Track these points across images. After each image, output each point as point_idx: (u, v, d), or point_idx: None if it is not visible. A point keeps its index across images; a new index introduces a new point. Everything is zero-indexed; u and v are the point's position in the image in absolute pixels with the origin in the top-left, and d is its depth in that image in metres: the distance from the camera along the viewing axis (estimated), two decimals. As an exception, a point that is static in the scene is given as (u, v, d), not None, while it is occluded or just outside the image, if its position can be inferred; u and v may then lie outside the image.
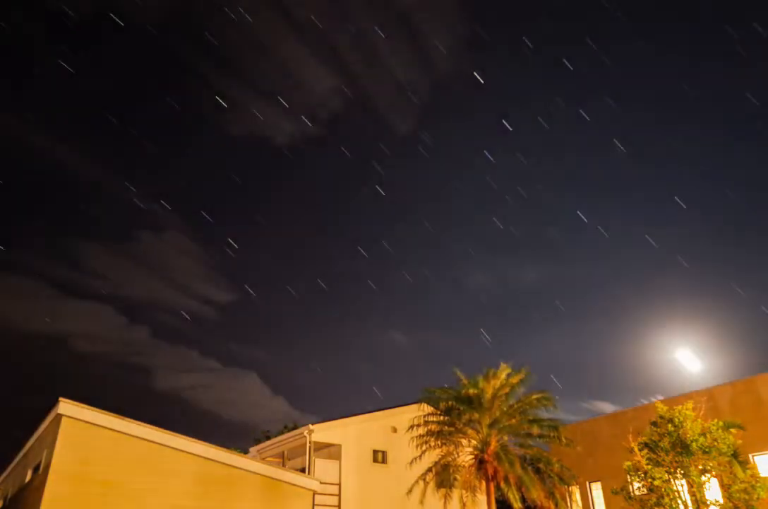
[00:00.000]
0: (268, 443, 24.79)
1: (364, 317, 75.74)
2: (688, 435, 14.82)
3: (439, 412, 19.06)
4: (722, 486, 14.95)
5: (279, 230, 70.66)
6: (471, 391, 18.36)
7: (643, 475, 15.21)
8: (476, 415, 18.27)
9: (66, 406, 13.77)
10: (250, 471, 16.46)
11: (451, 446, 18.66)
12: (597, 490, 23.88)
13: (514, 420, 18.37)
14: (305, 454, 21.40)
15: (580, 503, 24.30)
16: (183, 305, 74.30)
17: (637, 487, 15.83)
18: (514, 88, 59.15)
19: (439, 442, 18.63)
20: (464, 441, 18.83)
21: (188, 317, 72.21)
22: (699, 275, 56.98)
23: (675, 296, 59.12)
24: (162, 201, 63.26)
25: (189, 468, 15.27)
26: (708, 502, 14.50)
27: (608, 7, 48.02)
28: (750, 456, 18.08)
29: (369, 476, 22.21)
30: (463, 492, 18.27)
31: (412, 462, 18.79)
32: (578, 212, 57.35)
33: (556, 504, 17.67)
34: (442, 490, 18.33)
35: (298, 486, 17.32)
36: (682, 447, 14.84)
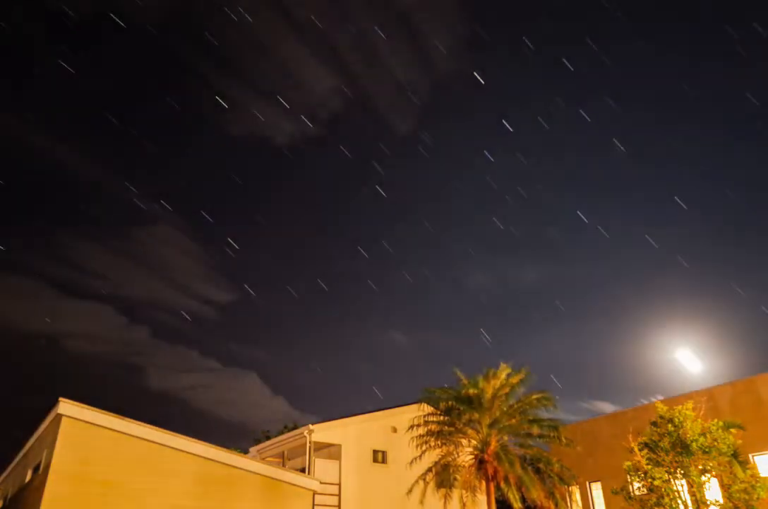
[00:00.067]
0: (268, 443, 24.79)
1: (364, 317, 75.82)
2: (688, 435, 14.82)
3: (439, 412, 19.06)
4: (722, 486, 14.95)
5: (279, 230, 70.73)
6: (471, 391, 18.36)
7: (643, 475, 15.21)
8: (476, 415, 18.27)
9: (66, 406, 13.77)
10: (250, 471, 16.46)
11: (451, 446, 18.66)
12: (597, 490, 23.88)
13: (514, 420, 18.37)
14: (305, 454, 21.40)
15: (580, 503, 24.30)
16: (183, 305, 74.40)
17: (637, 487, 15.83)
18: (514, 88, 59.20)
19: (439, 442, 18.63)
20: (464, 441, 18.83)
21: (188, 317, 72.30)
22: (699, 275, 57.03)
23: (675, 296, 59.17)
24: (162, 201, 63.25)
25: (189, 468, 15.27)
26: (708, 502, 14.50)
27: (608, 7, 48.06)
28: (750, 456, 18.08)
29: (369, 476, 22.21)
30: (463, 492, 18.27)
31: (412, 462, 18.79)
32: (578, 212, 57.38)
33: (556, 504, 17.67)
34: (442, 490, 18.33)
35: (298, 486, 17.32)
36: (682, 447, 14.84)
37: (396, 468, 22.18)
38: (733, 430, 15.27)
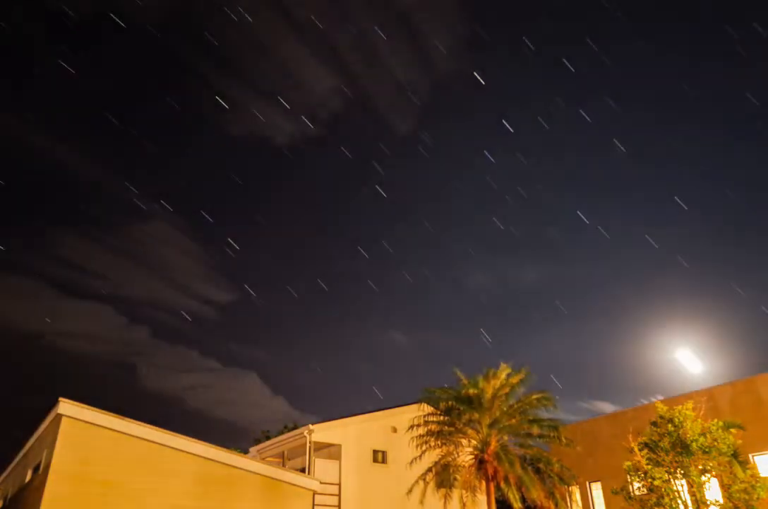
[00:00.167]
0: (268, 443, 24.79)
1: (364, 317, 75.82)
2: (688, 435, 14.82)
3: (439, 412, 19.06)
4: (722, 486, 14.95)
5: (279, 230, 70.75)
6: (471, 391, 18.36)
7: (643, 475, 15.21)
8: (476, 415, 18.27)
9: (66, 406, 13.77)
10: (250, 471, 16.46)
11: (451, 446, 18.66)
12: (597, 490, 23.88)
13: (514, 420, 18.37)
14: (305, 454, 21.40)
15: (580, 503, 24.30)
16: (183, 305, 74.47)
17: (637, 487, 15.83)
18: (514, 88, 59.21)
19: (439, 442, 18.63)
20: (464, 441, 18.83)
21: (188, 317, 72.37)
22: (699, 275, 57.03)
23: (675, 296, 59.18)
24: (162, 201, 63.22)
25: (189, 468, 15.27)
26: (708, 502, 14.50)
27: (608, 7, 48.07)
28: (750, 456, 18.08)
29: (369, 476, 22.21)
30: (463, 492, 18.27)
31: (412, 462, 18.79)
32: (578, 212, 57.38)
33: (556, 504, 17.67)
34: (442, 490, 18.33)
35: (298, 486, 17.32)
36: (682, 447, 14.84)
37: (396, 468, 22.18)
38: (733, 430, 15.27)
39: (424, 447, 18.58)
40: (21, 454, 17.93)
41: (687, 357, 33.66)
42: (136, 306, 72.45)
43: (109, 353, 74.27)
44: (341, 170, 66.51)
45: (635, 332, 59.97)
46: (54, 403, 13.93)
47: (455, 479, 18.27)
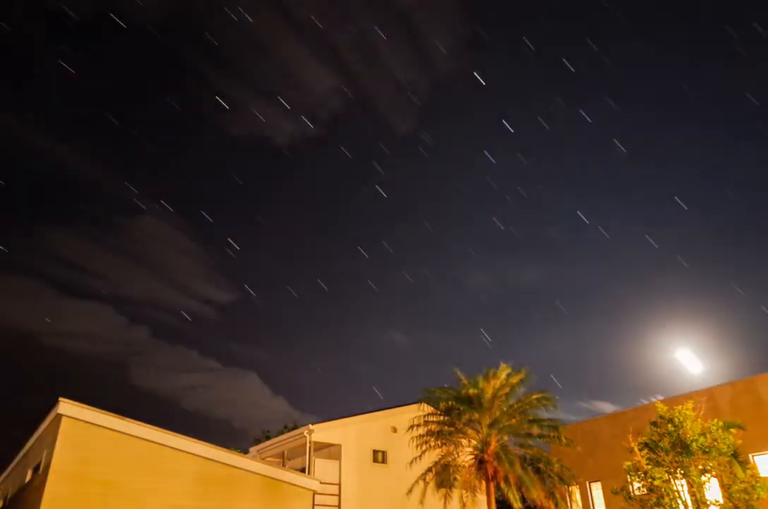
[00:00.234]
0: (268, 443, 24.79)
1: (364, 317, 75.79)
2: (688, 435, 14.82)
3: (439, 412, 19.06)
4: (722, 486, 14.95)
5: (279, 230, 70.72)
6: (471, 391, 18.36)
7: (643, 475, 15.21)
8: (476, 415, 18.27)
9: (66, 406, 13.77)
10: (250, 471, 16.46)
11: (451, 446, 18.66)
12: (597, 490, 23.88)
13: (514, 420, 18.37)
14: (305, 454, 21.40)
15: (580, 503, 24.30)
16: (183, 305, 74.39)
17: (637, 487, 15.83)
18: (514, 88, 59.16)
19: (439, 442, 18.63)
20: (464, 441, 18.83)
21: (188, 317, 72.31)
22: (699, 275, 57.01)
23: (675, 296, 59.16)
24: (162, 201, 63.11)
25: (189, 468, 15.27)
26: (708, 502, 14.50)
27: (608, 7, 48.03)
28: (750, 456, 18.08)
29: (369, 476, 22.21)
30: (463, 492, 18.27)
31: (412, 462, 18.79)
32: (578, 212, 57.35)
33: (556, 504, 17.67)
34: (442, 490, 18.33)
35: (298, 486, 17.32)
36: (682, 447, 14.84)
37: (396, 468, 22.18)
38: (733, 430, 15.27)
39: (424, 447, 18.58)
40: (21, 454, 17.93)
41: (687, 357, 33.70)
42: (136, 306, 72.42)
43: (109, 353, 74.30)
44: (341, 170, 66.57)
45: (635, 332, 59.99)
46: (54, 403, 13.93)
47: (455, 479, 18.27)
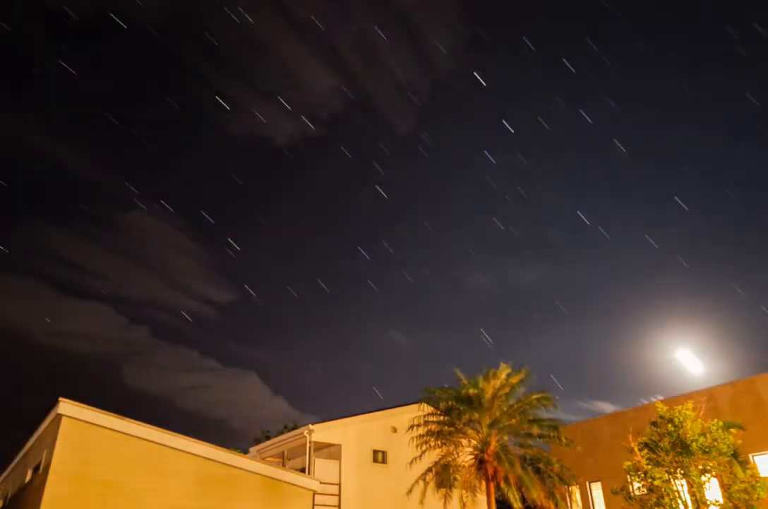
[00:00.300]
0: (268, 443, 24.79)
1: (364, 317, 75.82)
2: (688, 435, 14.81)
3: (439, 412, 19.06)
4: (722, 486, 14.95)
5: (279, 230, 70.77)
6: (471, 391, 18.36)
7: (643, 475, 15.21)
8: (476, 415, 18.26)
9: (66, 406, 13.77)
10: (250, 471, 16.46)
11: (451, 446, 18.66)
12: (597, 490, 23.88)
13: (514, 420, 18.37)
14: (305, 454, 21.40)
15: (580, 503, 24.30)
16: (183, 305, 74.45)
17: (637, 487, 15.83)
18: (514, 88, 59.21)
19: (439, 442, 18.63)
20: (464, 441, 18.83)
21: (188, 317, 72.45)
22: (699, 275, 57.04)
23: (675, 296, 59.18)
24: (162, 201, 63.13)
25: (189, 468, 15.27)
26: (708, 502, 14.50)
27: (608, 7, 48.07)
28: (750, 456, 18.08)
29: (369, 476, 22.21)
30: (463, 492, 18.27)
31: (412, 462, 18.79)
32: (578, 212, 57.40)
33: (556, 504, 17.67)
34: (442, 490, 18.33)
35: (298, 486, 17.32)
36: (682, 447, 14.84)
37: (396, 468, 22.18)
38: (733, 430, 15.27)
39: (424, 447, 18.58)
40: (21, 454, 17.92)
41: (687, 357, 33.69)
42: (136, 306, 72.47)
43: (109, 353, 74.32)
44: (341, 170, 66.60)
45: (635, 332, 60.01)
46: (54, 403, 13.93)
47: (455, 479, 18.26)
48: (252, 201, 69.57)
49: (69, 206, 67.28)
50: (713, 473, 14.83)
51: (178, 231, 67.53)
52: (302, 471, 20.49)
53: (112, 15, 46.20)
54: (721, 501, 14.72)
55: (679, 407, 15.55)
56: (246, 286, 77.28)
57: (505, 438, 18.41)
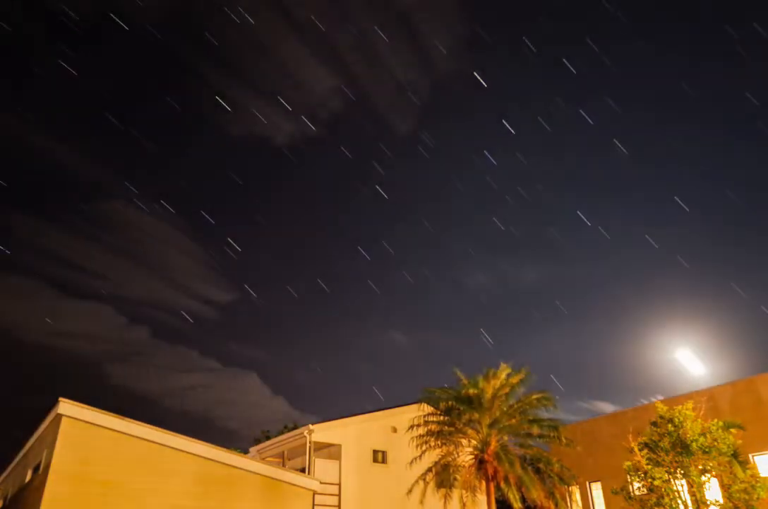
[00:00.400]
0: (268, 443, 24.79)
1: (364, 317, 75.78)
2: (688, 435, 14.81)
3: (439, 412, 19.06)
4: (722, 486, 14.95)
5: (279, 230, 70.78)
6: (471, 391, 18.35)
7: (643, 475, 15.21)
8: (476, 415, 18.26)
9: (66, 406, 13.76)
10: (250, 471, 16.46)
11: (451, 446, 18.66)
12: (597, 490, 23.88)
13: (514, 420, 18.37)
14: (305, 454, 21.40)
15: (580, 503, 24.30)
16: (183, 305, 74.36)
17: (637, 487, 15.83)
18: (514, 89, 59.21)
19: (439, 442, 18.63)
20: (464, 441, 18.83)
21: (188, 317, 72.43)
22: (699, 275, 57.03)
23: (675, 296, 59.18)
24: (162, 201, 63.12)
25: (189, 468, 15.27)
26: (708, 502, 14.50)
27: (608, 7, 47.98)
28: (750, 456, 18.08)
29: (369, 476, 22.21)
30: (463, 492, 18.27)
31: (412, 462, 18.79)
32: (578, 212, 57.42)
33: (556, 504, 17.67)
34: (442, 490, 18.33)
35: (298, 486, 17.32)
36: (682, 447, 14.84)
37: (396, 468, 22.18)
38: (733, 430, 15.27)
39: (424, 447, 18.58)
40: (21, 454, 17.92)
41: (687, 357, 33.65)
42: (136, 306, 72.43)
43: (109, 353, 74.33)
44: (341, 170, 66.60)
45: (635, 332, 59.98)
46: (54, 403, 13.93)
47: (455, 479, 18.26)
48: (252, 201, 69.70)
49: (69, 206, 67.34)
50: (713, 473, 14.83)
51: (178, 231, 67.54)
52: (302, 471, 20.49)
53: (112, 15, 46.24)
54: (721, 501, 14.72)
55: (679, 407, 15.55)
56: (246, 286, 77.28)
57: (505, 438, 18.41)
